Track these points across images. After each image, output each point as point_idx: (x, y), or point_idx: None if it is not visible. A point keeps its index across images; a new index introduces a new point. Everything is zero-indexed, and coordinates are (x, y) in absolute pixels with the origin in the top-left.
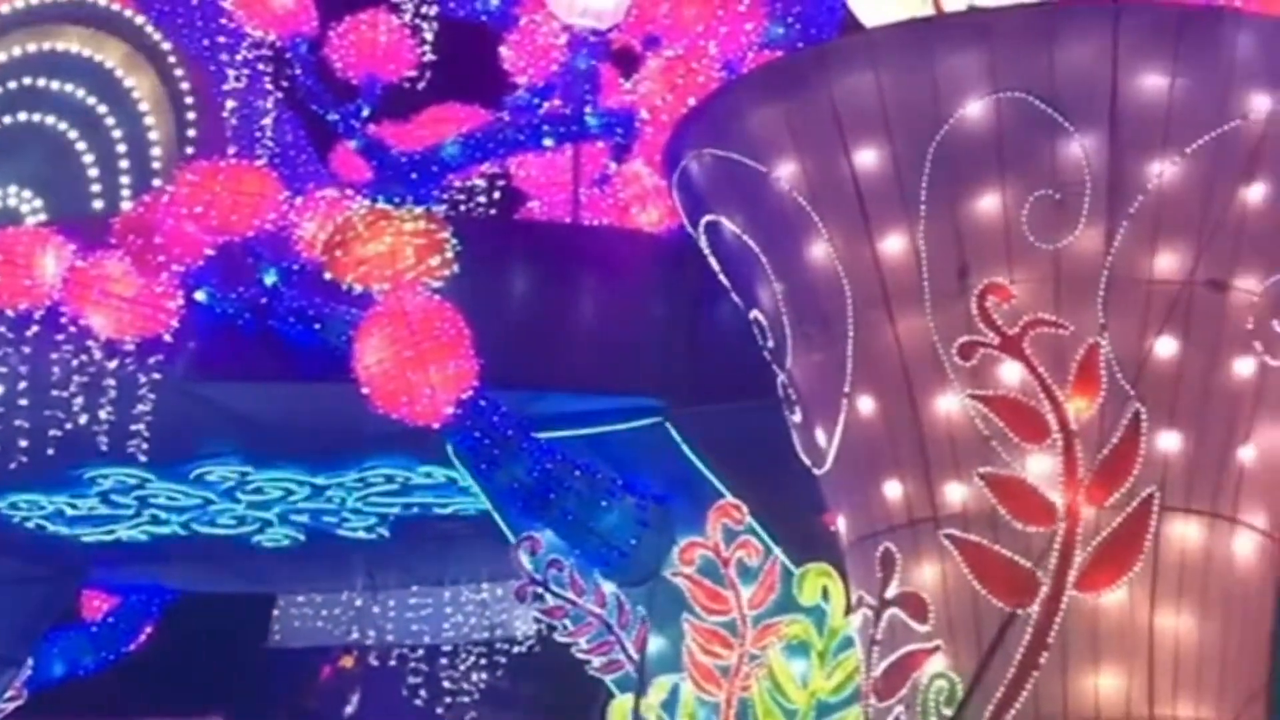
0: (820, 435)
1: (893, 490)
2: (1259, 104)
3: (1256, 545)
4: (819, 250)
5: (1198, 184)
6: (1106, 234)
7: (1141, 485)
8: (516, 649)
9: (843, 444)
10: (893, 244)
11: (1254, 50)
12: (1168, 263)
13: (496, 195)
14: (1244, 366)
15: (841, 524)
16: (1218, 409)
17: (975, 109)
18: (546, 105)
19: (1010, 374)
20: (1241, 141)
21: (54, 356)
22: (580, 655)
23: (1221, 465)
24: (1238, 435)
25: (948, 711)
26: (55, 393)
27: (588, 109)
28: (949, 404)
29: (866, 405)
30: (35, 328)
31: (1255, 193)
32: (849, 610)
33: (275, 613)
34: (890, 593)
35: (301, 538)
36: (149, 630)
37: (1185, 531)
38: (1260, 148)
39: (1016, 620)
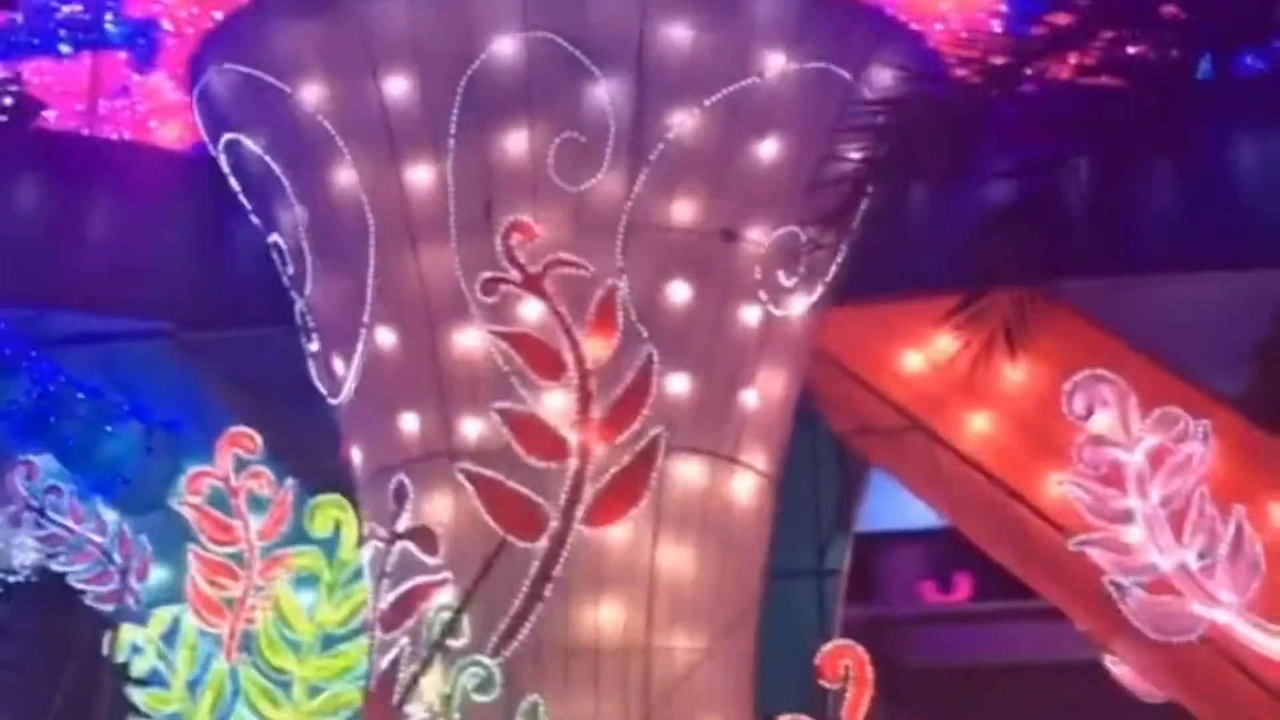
0: (338, 365)
1: (409, 423)
2: (773, 63)
3: (754, 485)
4: (343, 177)
5: (714, 137)
6: (627, 180)
7: (650, 425)
8: (13, 579)
9: (360, 375)
10: (420, 175)
11: (772, 12)
12: (684, 211)
13: (8, 102)
14: (750, 315)
15: (356, 456)
16: (725, 354)
17: (506, 46)
18: (65, 9)
19: (531, 312)
20: (756, 98)
21: None
22: (79, 585)
23: (725, 408)
24: (741, 380)
25: (452, 642)
26: None
27: (108, 16)
28: (469, 339)
29: (386, 337)
30: None
31: (766, 149)
32: (361, 542)
33: None
34: (402, 525)
35: None
36: None
37: (689, 471)
38: (772, 105)
39: (514, 550)
